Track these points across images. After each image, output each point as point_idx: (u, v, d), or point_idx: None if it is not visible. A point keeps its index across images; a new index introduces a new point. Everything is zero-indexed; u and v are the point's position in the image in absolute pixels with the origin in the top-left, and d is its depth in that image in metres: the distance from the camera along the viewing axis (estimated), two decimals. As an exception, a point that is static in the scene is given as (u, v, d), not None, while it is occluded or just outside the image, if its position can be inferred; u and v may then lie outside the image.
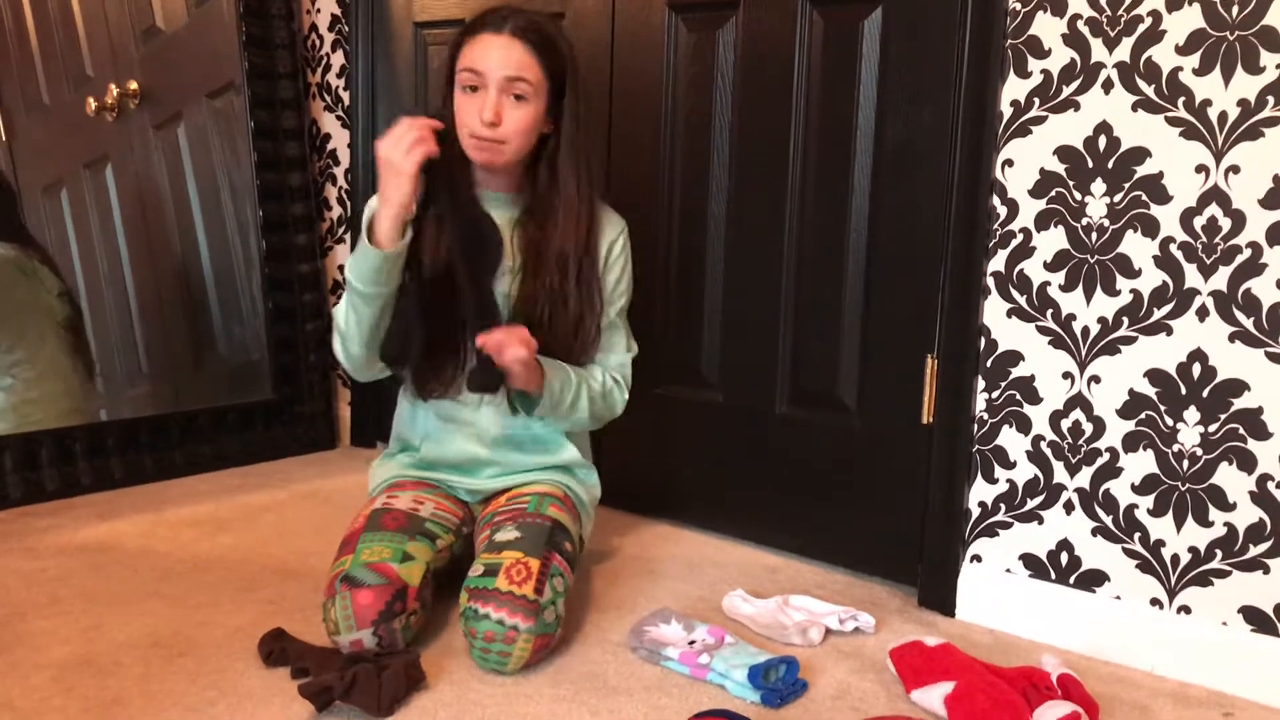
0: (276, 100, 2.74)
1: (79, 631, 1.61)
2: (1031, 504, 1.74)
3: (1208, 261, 1.53)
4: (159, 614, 1.68)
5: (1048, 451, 1.71)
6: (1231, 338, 1.52)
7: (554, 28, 1.68)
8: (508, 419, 1.77)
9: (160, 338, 2.76)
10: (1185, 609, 1.60)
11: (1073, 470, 1.69)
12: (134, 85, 2.66)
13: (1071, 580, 1.71)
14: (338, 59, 2.77)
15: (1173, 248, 1.56)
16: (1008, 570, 1.77)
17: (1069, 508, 1.70)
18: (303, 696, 1.35)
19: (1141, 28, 1.56)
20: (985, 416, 1.77)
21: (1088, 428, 1.67)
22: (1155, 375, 1.59)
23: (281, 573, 1.88)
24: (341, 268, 2.80)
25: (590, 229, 1.71)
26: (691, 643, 1.58)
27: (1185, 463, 1.58)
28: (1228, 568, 1.56)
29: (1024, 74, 1.67)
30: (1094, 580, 1.69)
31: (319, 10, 2.79)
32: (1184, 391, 1.57)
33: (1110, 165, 1.60)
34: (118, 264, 2.69)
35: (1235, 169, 1.50)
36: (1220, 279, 1.53)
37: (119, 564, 1.91)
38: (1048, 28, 1.64)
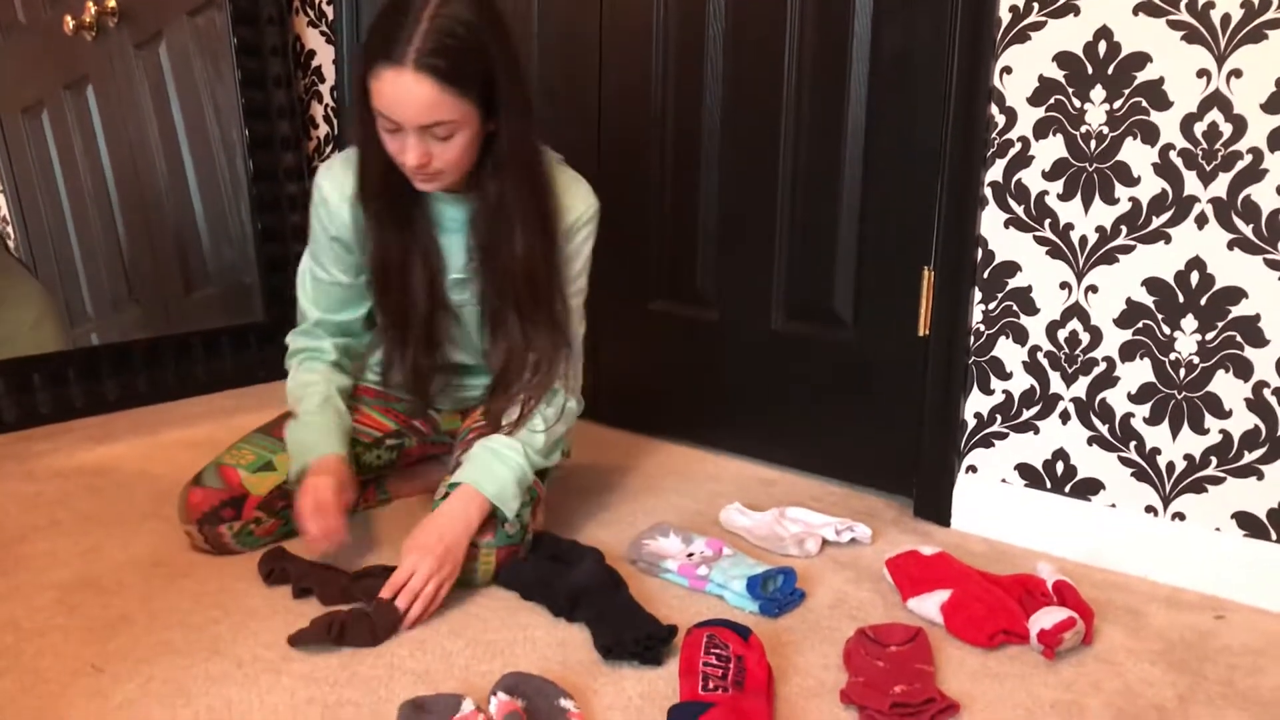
0: (259, 16, 2.67)
1: (79, 553, 1.62)
2: (1028, 414, 1.74)
3: (1208, 168, 1.52)
4: (159, 535, 1.69)
5: (1044, 362, 1.71)
6: (1230, 245, 1.51)
7: (467, 26, 1.39)
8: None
9: (149, 261, 2.74)
10: (1179, 515, 1.62)
11: (1069, 380, 1.69)
12: (112, 3, 2.59)
13: (1067, 489, 1.72)
14: (320, -28, 2.71)
15: (1172, 154, 1.54)
16: (1003, 480, 1.79)
17: (1065, 417, 1.70)
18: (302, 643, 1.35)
19: (1144, -73, 1.52)
20: (982, 328, 1.77)
21: (1085, 338, 1.66)
22: (1153, 284, 1.59)
23: (280, 493, 1.88)
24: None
25: (547, 215, 1.57)
26: (690, 555, 1.60)
27: (1182, 371, 1.58)
28: (1222, 474, 1.57)
29: (1023, -23, 1.64)
30: (1089, 489, 1.70)
31: (299, -78, 2.72)
32: (1182, 300, 1.57)
33: (1110, 71, 1.58)
34: (103, 186, 2.65)
35: (1237, 73, 1.47)
36: (1220, 186, 1.51)
37: (117, 486, 1.91)
38: (1048, -71, 1.61)
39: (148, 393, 2.46)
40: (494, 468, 1.55)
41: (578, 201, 1.63)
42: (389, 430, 1.78)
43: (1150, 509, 1.64)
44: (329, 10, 2.69)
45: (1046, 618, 1.38)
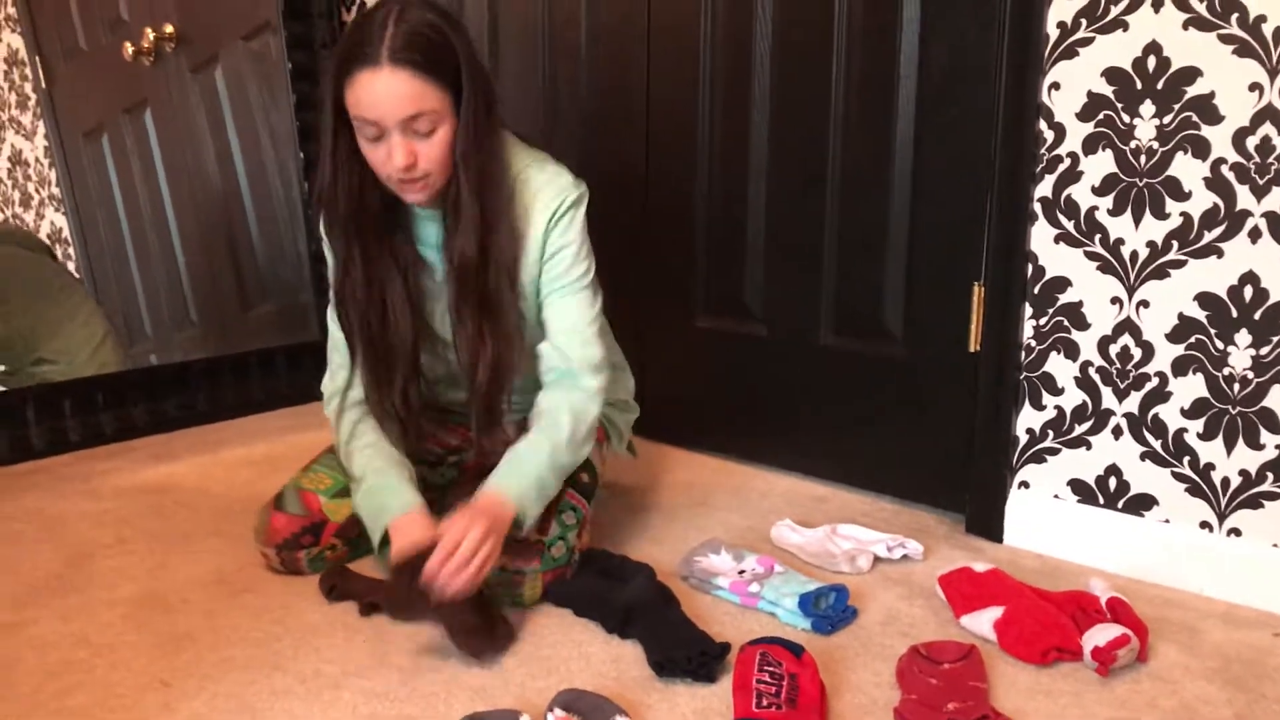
0: (313, 41, 2.73)
1: (146, 570, 1.66)
2: (1080, 430, 1.74)
3: (1260, 182, 1.51)
4: (221, 552, 1.73)
5: (1096, 377, 1.70)
6: (1284, 259, 1.51)
7: (431, 24, 1.42)
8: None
9: (207, 281, 2.80)
10: (1235, 531, 1.60)
11: (1121, 395, 1.68)
12: (170, 29, 2.66)
13: (1120, 505, 1.71)
14: (372, -3, 2.76)
15: (1224, 169, 1.54)
16: (1055, 495, 1.78)
17: (1117, 433, 1.70)
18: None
19: (1193, -58, 1.52)
20: (1033, 343, 1.76)
21: (1136, 353, 1.66)
22: (1205, 299, 1.58)
23: (337, 510, 1.92)
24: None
25: (485, 229, 1.51)
26: (741, 572, 1.61)
27: (1236, 386, 1.57)
28: (1279, 490, 1.56)
29: (1071, -7, 1.64)
30: (1143, 504, 1.69)
31: (351, -53, 2.78)
32: (1235, 314, 1.56)
33: (1160, 86, 1.57)
34: (161, 208, 2.72)
35: (1290, 86, 1.47)
36: (1274, 199, 1.50)
37: (179, 504, 1.95)
38: (1095, -55, 1.61)
39: (207, 411, 2.52)
40: (520, 477, 1.51)
41: (551, 198, 1.58)
42: (450, 446, 1.81)
43: (1205, 525, 1.63)
44: (380, 34, 2.73)
45: (1100, 634, 1.38)
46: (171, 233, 2.73)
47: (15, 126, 2.62)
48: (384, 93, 1.38)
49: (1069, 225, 1.69)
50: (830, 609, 1.50)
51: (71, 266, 2.68)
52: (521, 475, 1.51)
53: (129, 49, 2.66)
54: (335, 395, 1.66)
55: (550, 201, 1.58)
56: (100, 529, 1.83)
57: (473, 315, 1.54)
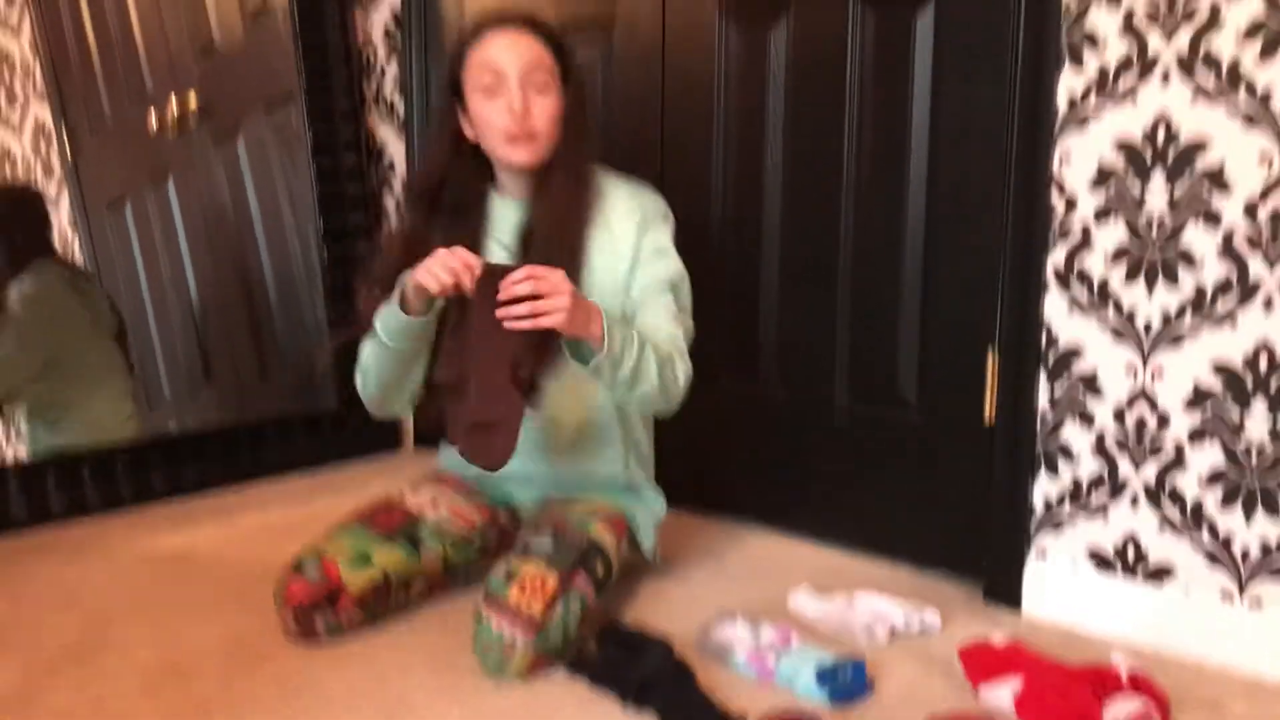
0: (333, 112, 2.78)
1: (163, 639, 1.66)
2: (1097, 498, 1.73)
3: (1273, 252, 1.52)
4: (237, 620, 1.73)
5: (1112, 446, 1.70)
6: (1298, 329, 1.51)
7: (549, 24, 1.69)
8: (569, 436, 1.77)
9: (226, 348, 2.83)
10: (1257, 602, 1.59)
11: (1138, 464, 1.68)
12: (194, 101, 2.71)
13: (1139, 575, 1.70)
14: (392, 69, 2.81)
15: (1236, 239, 1.55)
16: (1074, 565, 1.77)
17: (1135, 502, 1.69)
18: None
19: (1200, 17, 1.55)
20: (1048, 412, 1.77)
21: (1152, 422, 1.66)
22: (1221, 368, 1.58)
23: (353, 578, 1.92)
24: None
25: (589, 214, 1.69)
26: (758, 644, 1.60)
27: (1254, 455, 1.57)
28: (1299, 560, 1.55)
29: (1080, 68, 1.67)
30: (1162, 574, 1.68)
31: (373, 23, 2.83)
32: (1250, 384, 1.56)
33: (1170, 158, 1.59)
34: (182, 277, 2.75)
35: (1299, 158, 1.48)
36: (1286, 270, 1.51)
37: (196, 571, 1.96)
38: (1104, 20, 1.63)
39: (224, 477, 2.53)
40: (615, 317, 1.57)
41: (639, 201, 1.74)
42: (475, 525, 1.80)
43: (1226, 595, 1.62)
44: (400, 105, 2.79)
45: (1121, 708, 1.36)
46: (192, 300, 2.76)
47: (42, 197, 2.66)
48: (511, 44, 1.61)
49: (1082, 294, 1.70)
50: (848, 681, 1.49)
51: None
52: (618, 322, 1.55)
53: (153, 121, 2.71)
54: None
55: (636, 206, 1.73)
56: (117, 596, 1.83)
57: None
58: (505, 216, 1.72)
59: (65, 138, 2.65)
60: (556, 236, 1.64)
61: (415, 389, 1.70)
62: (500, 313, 1.42)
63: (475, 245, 1.67)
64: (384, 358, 1.63)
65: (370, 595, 1.64)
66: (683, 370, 1.64)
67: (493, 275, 1.44)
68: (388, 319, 1.58)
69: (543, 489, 1.84)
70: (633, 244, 1.70)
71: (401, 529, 1.71)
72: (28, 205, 2.56)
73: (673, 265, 1.73)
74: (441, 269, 1.46)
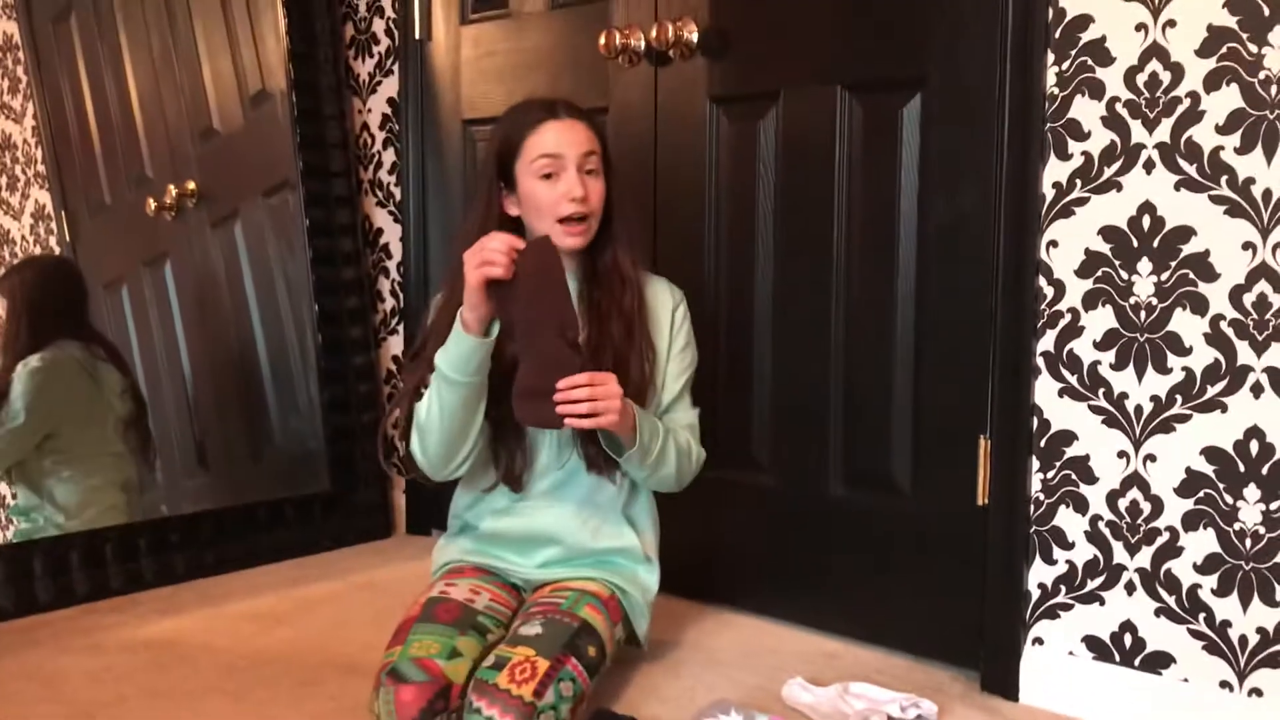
0: (330, 197, 2.81)
1: (145, 731, 1.63)
2: (1092, 585, 1.72)
3: (1260, 338, 1.53)
4: (221, 712, 1.70)
5: (1106, 531, 1.70)
6: (1288, 414, 1.51)
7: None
8: (578, 498, 1.80)
9: (219, 430, 2.82)
10: (1257, 691, 1.57)
11: (1132, 550, 1.67)
12: (192, 185, 2.75)
13: (1136, 662, 1.68)
14: (389, 156, 2.84)
15: (1223, 325, 1.56)
16: (1070, 653, 1.75)
17: (1130, 588, 1.68)
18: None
19: (1180, 109, 1.57)
20: (1041, 497, 1.76)
21: (1146, 507, 1.65)
22: (1212, 453, 1.58)
23: (341, 667, 1.89)
24: (396, 358, 2.85)
25: (643, 294, 1.79)
26: (752, 734, 1.57)
27: (1248, 541, 1.56)
28: (1298, 648, 1.53)
29: (1064, 156, 1.69)
30: (1160, 662, 1.66)
31: (370, 110, 2.88)
32: (1243, 469, 1.56)
33: (1155, 244, 1.61)
34: (176, 359, 2.76)
35: (1283, 246, 1.50)
36: (1274, 355, 1.52)
37: (181, 660, 1.93)
38: (1087, 110, 1.66)
39: (214, 563, 2.50)
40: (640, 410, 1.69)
41: (670, 288, 1.87)
42: (514, 607, 1.77)
43: (1225, 684, 1.60)
44: (396, 192, 2.82)
45: (1122, 803, 1.34)
46: (186, 382, 2.76)
47: (39, 279, 2.68)
48: (570, 133, 1.70)
49: (1072, 379, 1.71)
50: (842, 774, 1.46)
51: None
52: (645, 416, 1.70)
53: (152, 205, 2.74)
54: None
55: (672, 291, 1.86)
56: (101, 687, 1.80)
57: (620, 355, 1.74)
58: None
59: (64, 220, 2.67)
60: (619, 315, 1.76)
61: (478, 436, 1.71)
62: (561, 409, 1.56)
63: None
64: (449, 399, 1.64)
65: (465, 683, 1.55)
66: (699, 455, 1.84)
67: (534, 248, 1.59)
68: (451, 350, 1.62)
69: (540, 559, 1.82)
70: (670, 332, 1.84)
71: (464, 620, 1.65)
72: (64, 282, 2.59)
73: (695, 356, 1.89)
74: (494, 254, 1.57)
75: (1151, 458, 1.64)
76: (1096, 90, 1.65)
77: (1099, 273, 1.67)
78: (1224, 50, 1.54)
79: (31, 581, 2.22)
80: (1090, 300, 1.68)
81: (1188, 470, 1.61)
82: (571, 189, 1.68)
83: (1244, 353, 1.54)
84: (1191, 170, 1.57)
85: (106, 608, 2.24)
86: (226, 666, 1.89)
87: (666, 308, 1.83)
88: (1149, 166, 1.61)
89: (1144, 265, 1.63)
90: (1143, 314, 1.63)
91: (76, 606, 2.24)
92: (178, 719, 1.68)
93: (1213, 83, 1.55)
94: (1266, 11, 1.50)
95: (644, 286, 1.81)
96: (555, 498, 1.80)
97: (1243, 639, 1.58)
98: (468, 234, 1.70)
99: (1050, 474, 1.75)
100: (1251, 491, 1.55)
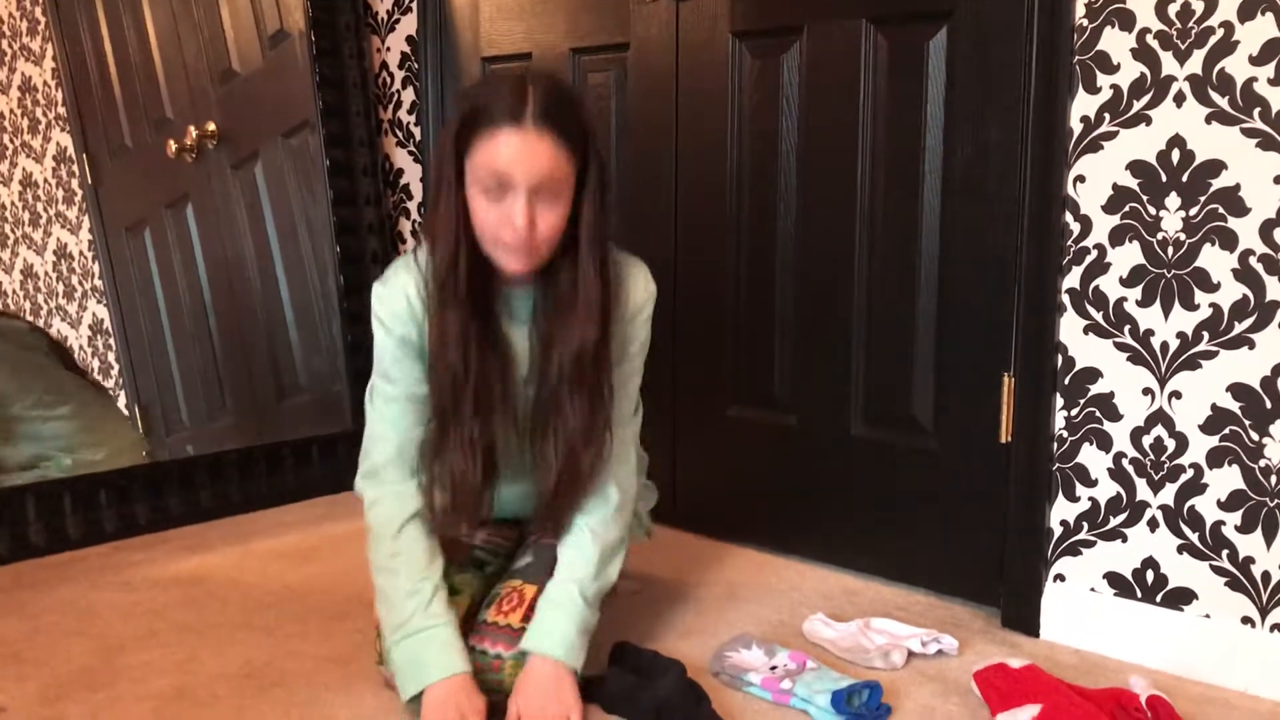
0: (350, 138, 2.80)
1: (175, 664, 1.66)
2: (1115, 522, 1.72)
3: (1290, 273, 1.51)
4: (251, 645, 1.73)
5: (1130, 469, 1.69)
6: (1317, 350, 1.50)
7: (569, 93, 1.45)
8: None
9: (243, 372, 2.84)
10: (1278, 627, 1.57)
11: (1156, 487, 1.67)
12: (212, 127, 2.74)
13: (1158, 599, 1.68)
14: (408, 95, 2.82)
15: (1252, 260, 1.54)
16: (1092, 589, 1.75)
17: (1153, 525, 1.68)
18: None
19: (1213, 39, 1.54)
20: (1065, 434, 1.76)
21: (1170, 444, 1.64)
22: (1238, 389, 1.57)
23: (368, 602, 1.89)
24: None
25: (607, 305, 1.51)
26: (773, 668, 1.59)
27: (1273, 478, 1.55)
28: (1321, 584, 1.53)
29: (1093, 89, 1.66)
30: (1182, 598, 1.66)
31: (389, 49, 2.85)
32: (1269, 406, 1.55)
33: (1185, 179, 1.59)
34: (200, 300, 2.77)
35: (1315, 178, 1.48)
36: (1303, 291, 1.50)
37: (211, 596, 1.96)
38: (1116, 42, 1.63)
39: (240, 502, 2.53)
40: (556, 624, 1.51)
41: (638, 290, 1.59)
42: (511, 538, 1.76)
43: (1247, 620, 1.60)
44: (416, 131, 2.80)
45: (1141, 735, 1.35)
46: (210, 324, 2.78)
47: (62, 221, 2.69)
48: (525, 152, 1.37)
49: (1098, 316, 1.69)
50: (864, 706, 1.47)
51: (111, 357, 2.73)
52: (561, 627, 1.50)
53: (172, 146, 2.74)
54: (382, 503, 1.56)
55: (636, 295, 1.58)
56: (132, 621, 1.84)
57: (568, 396, 1.50)
58: (517, 305, 1.57)
59: (86, 163, 2.68)
60: (570, 353, 1.49)
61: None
62: None
63: (495, 330, 1.54)
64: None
65: (464, 623, 1.57)
66: (626, 507, 1.64)
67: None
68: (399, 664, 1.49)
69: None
70: (627, 337, 1.59)
71: (458, 556, 1.63)
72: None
73: (643, 356, 1.65)
74: None
75: (1177, 395, 1.63)
76: (1126, 21, 1.62)
77: (1126, 208, 1.65)
78: (1259, -22, 1.50)
79: (63, 519, 2.25)
80: (1117, 236, 1.66)
81: (1213, 407, 1.60)
82: (513, 216, 1.38)
83: (1273, 288, 1.52)
84: (1223, 103, 1.54)
85: (137, 544, 2.28)
86: (255, 602, 1.92)
87: (633, 304, 1.58)
88: (1179, 99, 1.58)
89: (1172, 200, 1.60)
90: (1170, 250, 1.61)
91: (107, 544, 2.27)
92: (205, 653, 1.71)
93: (1247, 12, 1.51)
94: (1304, -62, 1.46)
95: (616, 289, 1.54)
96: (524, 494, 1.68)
97: (1265, 575, 1.57)
98: (439, 247, 1.46)
99: (1074, 411, 1.74)
100: (1277, 428, 1.54)
